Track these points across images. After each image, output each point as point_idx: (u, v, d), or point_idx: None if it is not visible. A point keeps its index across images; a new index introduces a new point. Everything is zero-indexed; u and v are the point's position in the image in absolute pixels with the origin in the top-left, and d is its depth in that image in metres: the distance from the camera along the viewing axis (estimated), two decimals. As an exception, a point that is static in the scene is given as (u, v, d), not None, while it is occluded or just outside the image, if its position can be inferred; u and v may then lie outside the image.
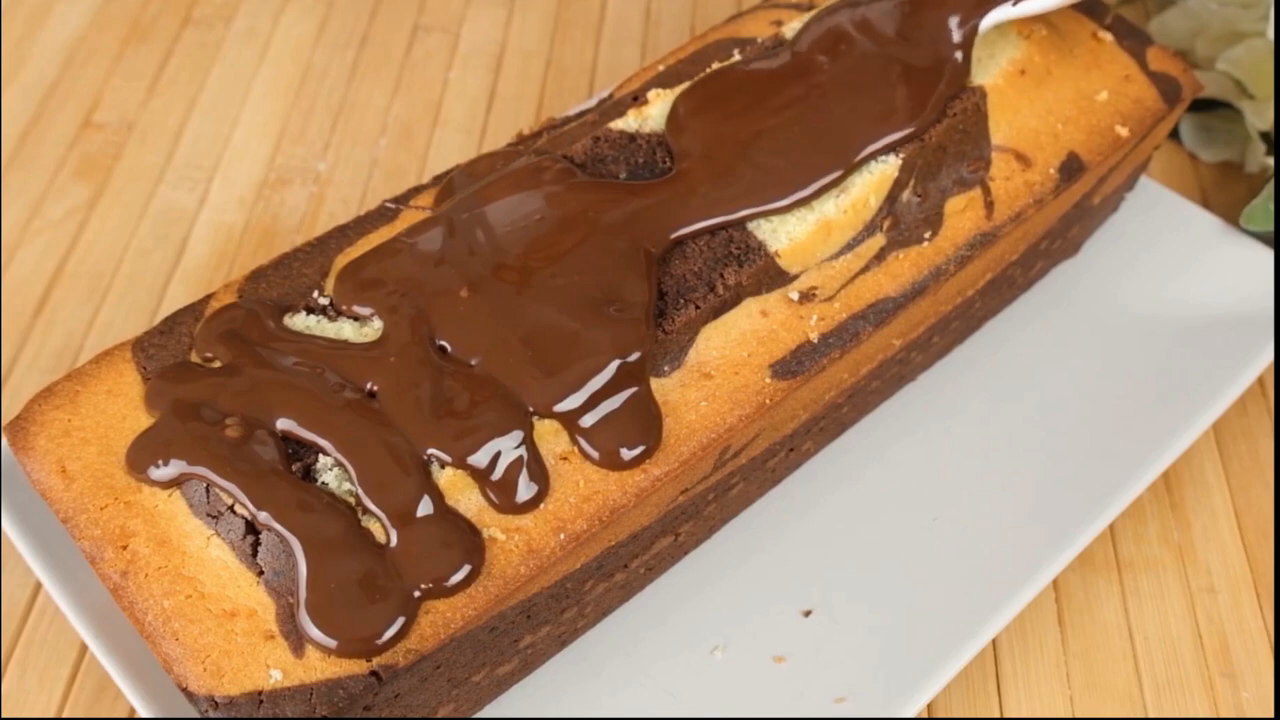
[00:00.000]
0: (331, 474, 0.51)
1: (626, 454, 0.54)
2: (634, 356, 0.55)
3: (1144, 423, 0.71)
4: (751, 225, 0.59)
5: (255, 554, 0.51)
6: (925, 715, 0.65)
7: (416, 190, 0.63)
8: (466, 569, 0.51)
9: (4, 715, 0.63)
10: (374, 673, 0.49)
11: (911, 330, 0.65)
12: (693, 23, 0.99)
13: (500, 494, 0.52)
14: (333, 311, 0.56)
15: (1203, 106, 0.89)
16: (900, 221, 0.62)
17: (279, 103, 0.92)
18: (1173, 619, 0.68)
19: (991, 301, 0.74)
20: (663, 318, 0.57)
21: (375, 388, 0.53)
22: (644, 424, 0.55)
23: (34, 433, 0.55)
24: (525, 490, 0.53)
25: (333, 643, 0.49)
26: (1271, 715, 0.65)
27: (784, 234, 0.59)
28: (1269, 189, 0.80)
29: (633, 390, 0.55)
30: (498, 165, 0.62)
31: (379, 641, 0.49)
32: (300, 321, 0.56)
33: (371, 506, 0.51)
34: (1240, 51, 0.84)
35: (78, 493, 0.53)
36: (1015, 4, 0.56)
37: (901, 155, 0.61)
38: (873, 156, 0.61)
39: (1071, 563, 0.69)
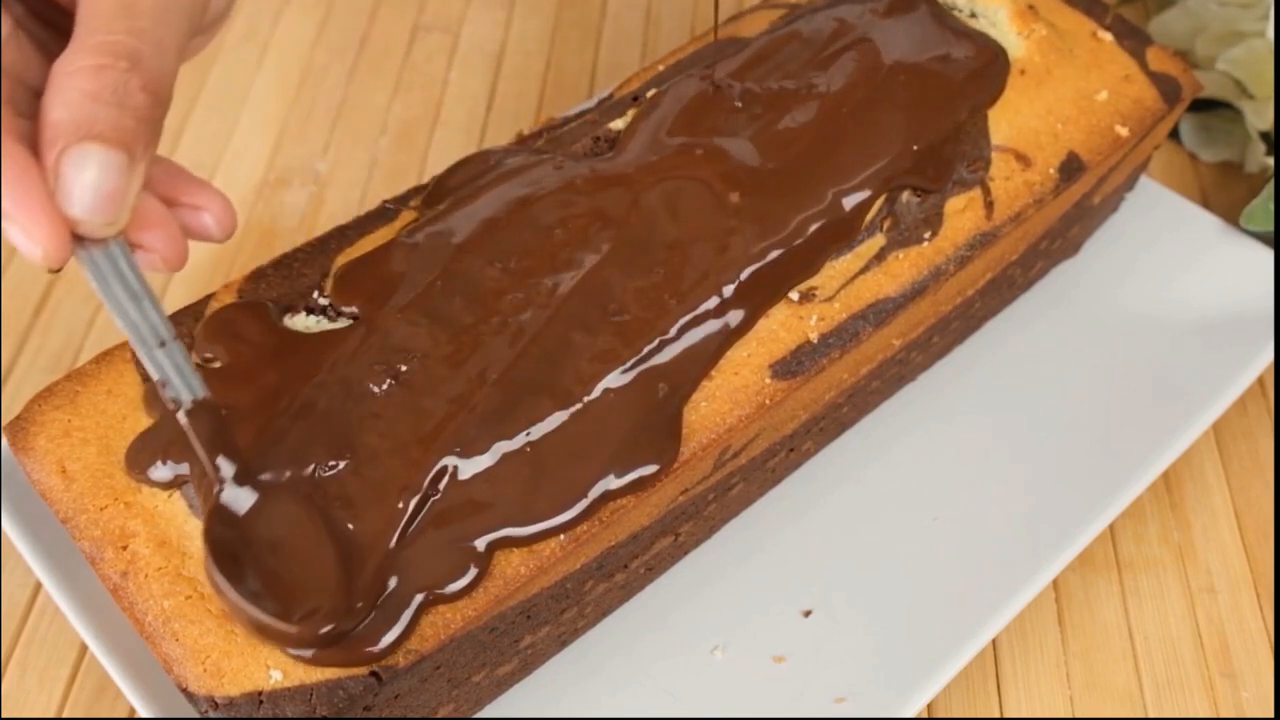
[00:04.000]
0: (333, 474, 0.51)
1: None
2: None
3: (1144, 423, 0.71)
4: (751, 225, 0.59)
5: (255, 554, 0.51)
6: (925, 715, 0.65)
7: (416, 190, 0.63)
8: (473, 572, 0.51)
9: (4, 715, 0.63)
10: (374, 673, 0.49)
11: (911, 330, 0.65)
12: (693, 23, 0.98)
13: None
14: (333, 312, 0.56)
15: (1203, 106, 0.89)
16: (900, 221, 0.62)
17: (279, 103, 0.92)
18: (1173, 619, 0.68)
19: (991, 301, 0.74)
20: (663, 318, 0.56)
21: (377, 388, 0.53)
22: (658, 439, 0.55)
23: (34, 433, 0.55)
24: None
25: (332, 644, 0.49)
26: (1271, 715, 0.65)
27: (784, 234, 0.59)
28: (1269, 189, 0.80)
29: None
30: (492, 163, 0.62)
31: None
32: (300, 322, 0.56)
33: (373, 507, 0.50)
34: (1240, 51, 0.84)
35: (78, 493, 0.53)
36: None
37: (901, 155, 0.61)
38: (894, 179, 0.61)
39: (1071, 563, 0.69)
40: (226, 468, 0.46)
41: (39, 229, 0.37)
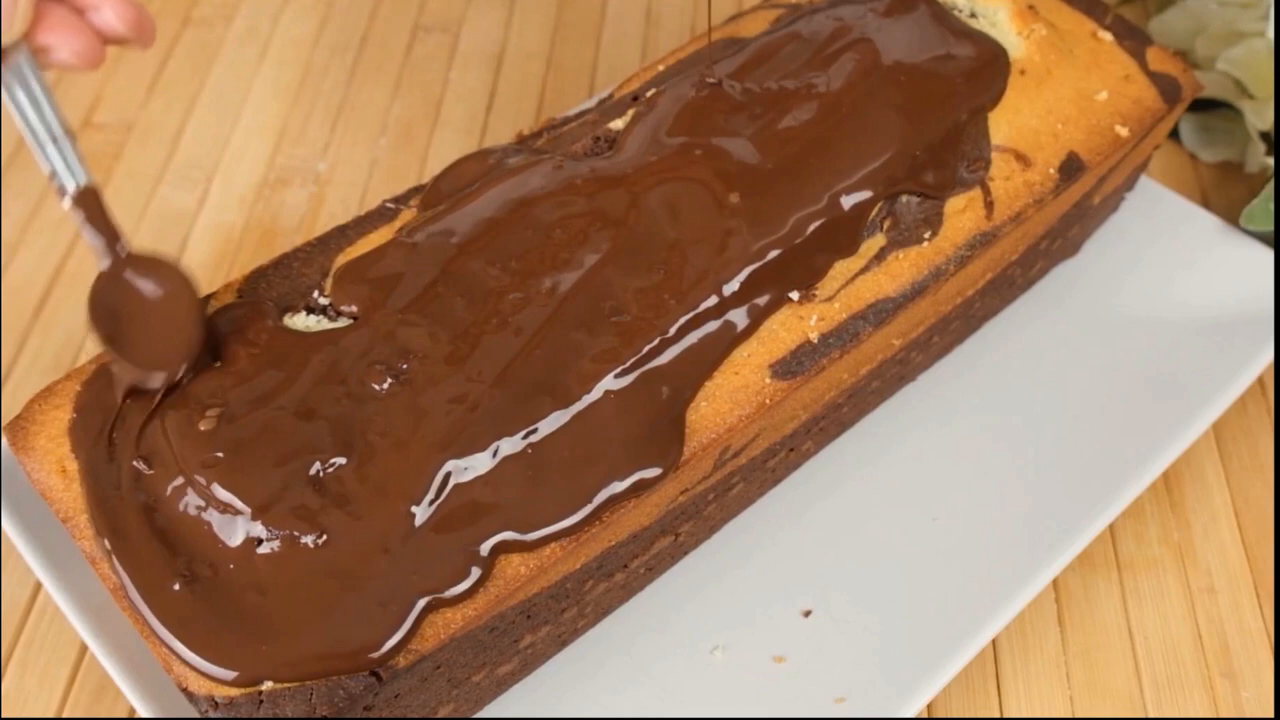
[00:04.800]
0: (334, 475, 0.51)
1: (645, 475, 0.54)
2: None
3: (1144, 423, 0.71)
4: (751, 225, 0.59)
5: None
6: (925, 715, 0.65)
7: (416, 190, 0.63)
8: (476, 575, 0.51)
9: (4, 715, 0.63)
10: (374, 673, 0.49)
11: (911, 330, 0.65)
12: (693, 23, 0.99)
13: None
14: (333, 312, 0.56)
15: (1203, 106, 0.89)
16: (900, 221, 0.62)
17: (279, 103, 0.92)
18: (1173, 619, 0.68)
19: (991, 301, 0.74)
20: (663, 318, 0.56)
21: (378, 387, 0.53)
22: (661, 442, 0.55)
23: (34, 433, 0.55)
24: None
25: (332, 643, 0.49)
26: (1271, 715, 0.65)
27: (784, 234, 0.59)
28: (1269, 189, 0.80)
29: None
30: (491, 163, 0.62)
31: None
32: (300, 321, 0.56)
33: (374, 509, 0.50)
34: (1240, 51, 0.84)
35: (78, 493, 0.53)
36: None
37: (901, 155, 0.61)
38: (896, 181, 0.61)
39: (1071, 563, 0.69)
40: (111, 247, 0.52)
41: None
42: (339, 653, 0.49)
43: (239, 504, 0.50)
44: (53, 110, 0.49)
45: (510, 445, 0.52)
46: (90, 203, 0.51)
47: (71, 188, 0.50)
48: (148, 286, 0.52)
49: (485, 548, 0.51)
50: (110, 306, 0.51)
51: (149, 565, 0.50)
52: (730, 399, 0.57)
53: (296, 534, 0.50)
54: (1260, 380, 0.78)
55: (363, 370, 0.53)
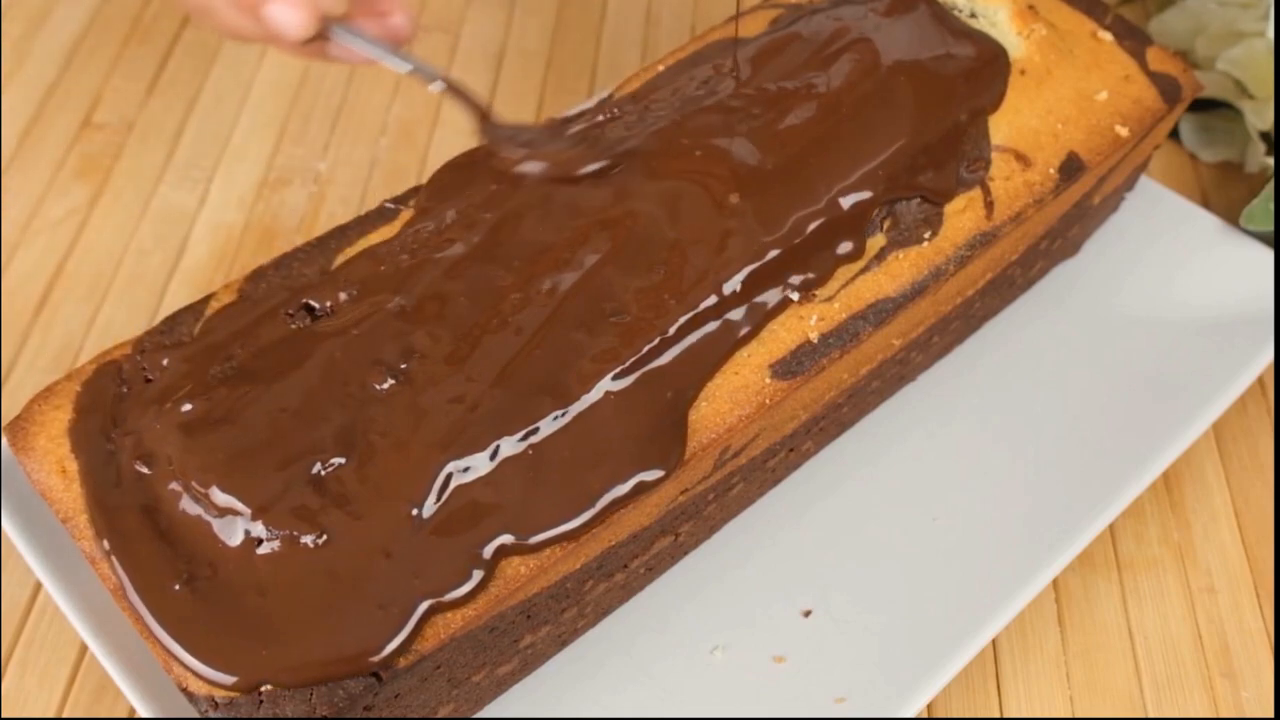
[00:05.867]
0: (334, 475, 0.51)
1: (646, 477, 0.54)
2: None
3: (1144, 423, 0.71)
4: (751, 225, 0.59)
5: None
6: (925, 715, 0.65)
7: (416, 190, 0.63)
8: (478, 577, 0.51)
9: (4, 715, 0.63)
10: (374, 673, 0.49)
11: (911, 330, 0.65)
12: (693, 23, 0.99)
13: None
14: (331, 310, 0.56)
15: (1203, 106, 0.89)
16: (900, 221, 0.62)
17: (279, 103, 0.92)
18: (1173, 619, 0.68)
19: (991, 301, 0.74)
20: (663, 318, 0.56)
21: (378, 388, 0.53)
22: (664, 444, 0.55)
23: (34, 433, 0.55)
24: None
25: (332, 643, 0.49)
26: (1271, 715, 0.65)
27: (784, 234, 0.59)
28: (1269, 189, 0.80)
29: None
30: (490, 161, 0.62)
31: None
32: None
33: (375, 509, 0.50)
34: (1240, 51, 0.84)
35: (78, 493, 0.53)
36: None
37: (901, 155, 0.61)
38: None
39: (1071, 563, 0.69)
40: (477, 110, 0.62)
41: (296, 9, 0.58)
42: (339, 657, 0.49)
43: (239, 504, 0.50)
44: (380, 46, 0.62)
45: (510, 446, 0.52)
46: (456, 87, 0.62)
47: (439, 82, 0.62)
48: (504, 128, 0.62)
49: (487, 550, 0.51)
50: (495, 137, 0.61)
51: (149, 566, 0.50)
52: (730, 399, 0.57)
53: (296, 534, 0.50)
54: (1260, 380, 0.78)
55: (363, 369, 0.53)
